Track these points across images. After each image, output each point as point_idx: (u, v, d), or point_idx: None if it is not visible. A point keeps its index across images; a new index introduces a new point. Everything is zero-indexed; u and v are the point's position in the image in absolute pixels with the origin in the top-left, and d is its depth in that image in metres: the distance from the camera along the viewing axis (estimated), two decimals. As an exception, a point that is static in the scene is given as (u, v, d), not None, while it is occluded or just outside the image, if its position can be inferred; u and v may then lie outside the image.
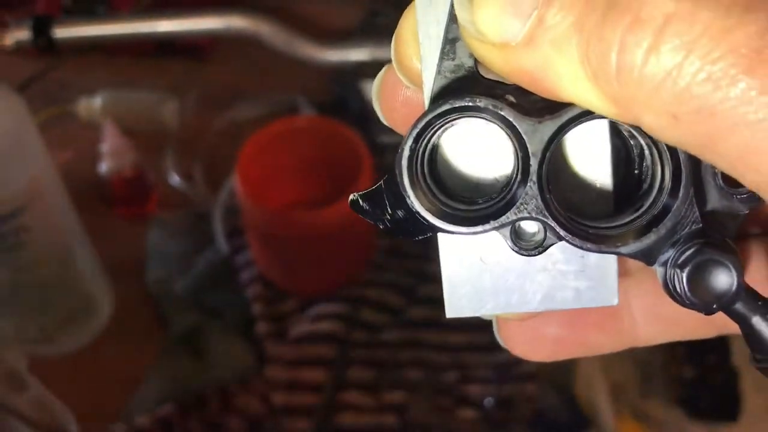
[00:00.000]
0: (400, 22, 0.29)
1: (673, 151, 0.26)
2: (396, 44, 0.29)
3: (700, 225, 0.27)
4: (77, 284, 0.91)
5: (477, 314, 0.32)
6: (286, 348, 0.93)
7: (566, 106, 0.25)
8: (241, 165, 0.91)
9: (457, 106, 0.26)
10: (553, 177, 0.27)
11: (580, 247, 0.27)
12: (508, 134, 0.26)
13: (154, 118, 1.12)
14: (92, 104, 1.11)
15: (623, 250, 0.27)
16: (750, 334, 0.26)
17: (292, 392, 0.91)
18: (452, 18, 0.27)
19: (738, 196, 0.27)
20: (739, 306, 0.25)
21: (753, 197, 0.27)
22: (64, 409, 0.82)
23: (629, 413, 0.92)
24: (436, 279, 0.32)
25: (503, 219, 0.27)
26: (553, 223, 0.26)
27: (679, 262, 0.26)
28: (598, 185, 0.30)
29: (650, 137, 0.27)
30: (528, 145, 0.26)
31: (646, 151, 0.28)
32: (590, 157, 0.30)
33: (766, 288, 0.30)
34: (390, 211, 0.28)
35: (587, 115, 0.25)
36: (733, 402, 0.90)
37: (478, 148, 0.30)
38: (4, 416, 0.76)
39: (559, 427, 0.90)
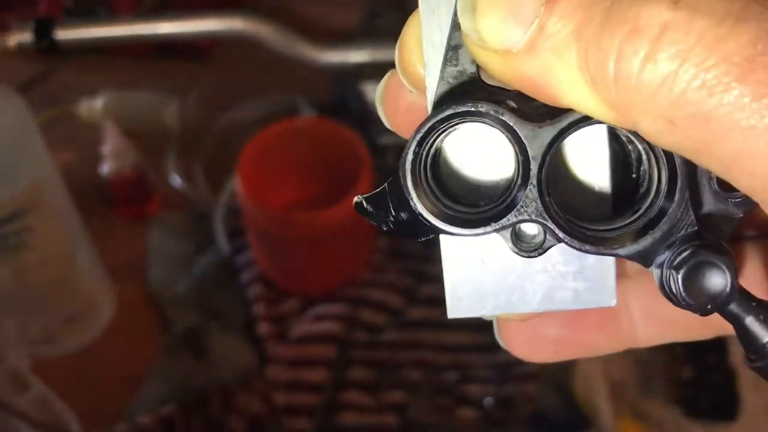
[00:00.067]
0: (403, 29, 0.29)
1: (669, 155, 0.27)
2: (400, 50, 0.30)
3: (696, 228, 0.27)
4: (79, 285, 0.92)
5: (478, 315, 0.32)
6: (286, 348, 0.94)
7: (566, 111, 0.26)
8: (242, 166, 0.92)
9: (459, 111, 0.26)
10: (552, 180, 0.28)
11: (579, 249, 0.27)
12: (509, 138, 0.27)
13: (155, 119, 1.12)
14: (93, 105, 1.11)
15: (621, 251, 0.28)
16: (744, 334, 0.26)
17: (293, 392, 0.91)
18: (455, 25, 0.27)
19: (733, 200, 0.28)
20: (733, 307, 0.26)
21: (747, 201, 0.28)
22: (66, 409, 0.82)
23: (629, 413, 0.92)
24: (435, 279, 0.32)
25: (504, 221, 0.27)
26: (552, 226, 0.27)
27: (675, 263, 0.26)
28: (596, 189, 0.31)
29: (647, 142, 0.27)
30: (528, 150, 0.26)
31: (644, 156, 0.28)
32: (589, 161, 0.30)
33: (761, 289, 0.31)
34: (393, 213, 0.29)
35: (586, 120, 0.26)
36: (732, 402, 0.91)
37: (479, 152, 0.30)
38: (7, 416, 0.77)
39: (559, 426, 0.91)
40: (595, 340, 0.35)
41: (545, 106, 0.26)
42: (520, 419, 0.90)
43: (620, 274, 0.32)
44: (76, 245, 0.89)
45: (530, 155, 0.26)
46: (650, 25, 0.22)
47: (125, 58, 1.20)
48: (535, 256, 0.29)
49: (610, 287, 0.31)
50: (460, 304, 0.32)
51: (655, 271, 0.27)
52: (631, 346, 0.35)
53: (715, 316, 0.27)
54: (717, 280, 0.26)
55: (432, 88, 0.29)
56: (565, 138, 0.27)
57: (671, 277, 0.26)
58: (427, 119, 0.27)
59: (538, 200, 0.27)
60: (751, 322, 0.26)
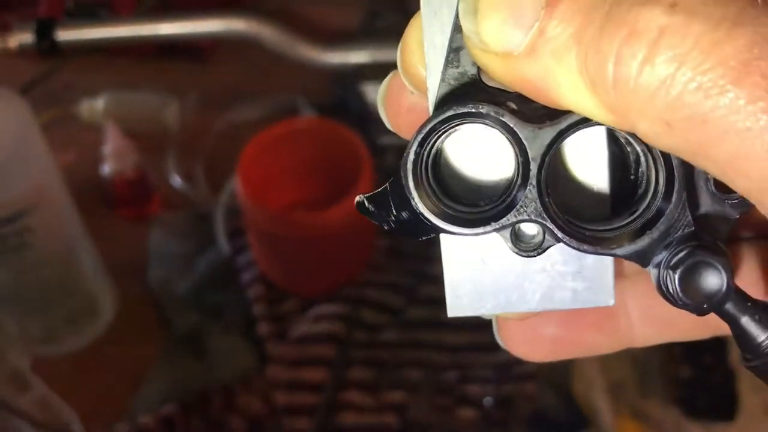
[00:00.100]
0: (405, 30, 0.30)
1: (666, 157, 0.27)
2: (402, 52, 0.30)
3: (693, 228, 0.27)
4: (80, 285, 0.92)
5: (477, 313, 0.33)
6: (287, 348, 0.94)
7: (565, 113, 0.26)
8: (242, 166, 0.92)
9: (460, 112, 0.27)
10: (552, 181, 0.28)
11: (578, 249, 0.28)
12: (509, 139, 0.27)
13: (156, 120, 1.12)
14: (94, 106, 1.12)
15: (618, 251, 0.28)
16: (740, 334, 0.26)
17: (293, 392, 0.91)
18: (457, 28, 0.27)
19: (729, 202, 0.28)
20: (729, 307, 0.26)
21: (744, 202, 0.28)
22: (66, 409, 0.82)
23: (628, 412, 0.93)
24: (435, 279, 0.33)
25: (503, 221, 0.28)
26: (551, 226, 0.27)
27: (672, 263, 0.27)
28: (595, 190, 0.31)
29: (645, 144, 0.28)
30: (528, 150, 0.27)
31: (642, 158, 0.29)
32: (588, 162, 0.31)
33: (757, 290, 0.31)
34: (395, 213, 0.29)
35: (585, 122, 0.26)
36: (730, 402, 0.91)
37: (480, 152, 0.30)
38: (8, 416, 0.77)
39: (558, 426, 0.91)
40: (592, 340, 0.35)
41: (545, 107, 0.26)
42: (520, 419, 0.90)
43: (618, 275, 0.33)
44: (77, 245, 0.89)
45: (530, 156, 0.27)
46: (648, 28, 0.22)
47: (126, 58, 1.20)
48: (534, 256, 0.29)
49: (608, 287, 0.32)
50: (460, 303, 0.32)
51: (652, 271, 0.28)
52: (629, 346, 0.35)
53: (712, 317, 0.27)
54: (713, 280, 0.26)
55: (433, 90, 0.29)
56: (564, 139, 0.27)
57: (668, 277, 0.27)
58: (429, 120, 0.27)
59: (538, 200, 0.27)
60: (746, 321, 0.26)
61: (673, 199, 0.27)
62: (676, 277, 0.26)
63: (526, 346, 0.35)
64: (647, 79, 0.22)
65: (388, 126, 0.32)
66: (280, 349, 0.94)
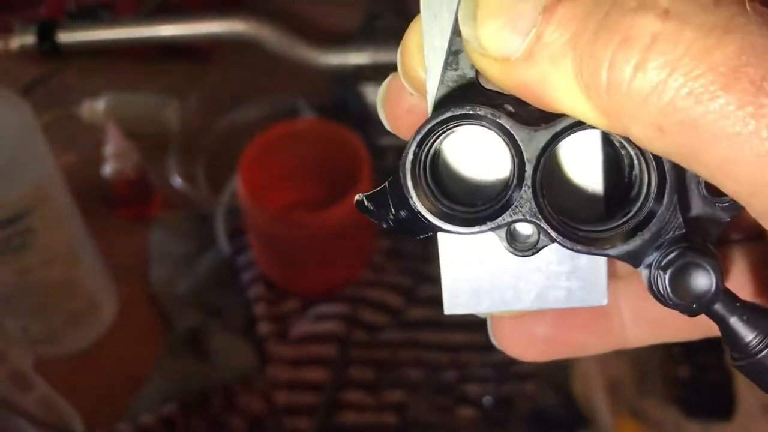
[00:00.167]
0: (406, 33, 0.30)
1: (658, 160, 0.28)
2: (402, 54, 0.30)
3: (683, 230, 0.28)
4: (81, 285, 0.92)
5: (474, 311, 0.33)
6: (287, 348, 0.94)
7: (561, 116, 0.27)
8: (243, 167, 0.92)
9: (458, 113, 0.27)
10: (547, 183, 0.28)
11: (571, 249, 0.28)
12: (505, 141, 0.28)
13: (156, 121, 1.12)
14: (95, 107, 1.12)
15: (611, 252, 0.28)
16: (728, 334, 0.27)
17: (294, 391, 0.92)
18: (456, 31, 0.28)
19: (720, 205, 0.29)
20: (718, 307, 0.27)
21: (734, 206, 0.29)
22: (68, 408, 0.83)
23: (627, 412, 0.93)
24: (435, 280, 0.33)
25: (499, 220, 0.28)
26: (545, 226, 0.28)
27: (663, 264, 0.27)
28: (589, 191, 0.31)
29: (638, 147, 0.28)
30: (524, 152, 0.27)
31: (635, 161, 0.29)
32: (583, 165, 0.31)
33: (746, 291, 0.32)
34: (393, 211, 0.30)
35: (580, 125, 0.27)
36: (728, 401, 0.91)
37: (477, 153, 0.31)
38: (10, 415, 0.77)
39: (558, 425, 0.91)
40: (585, 340, 0.36)
41: (541, 111, 0.26)
42: (519, 418, 0.90)
43: (612, 275, 0.33)
44: (78, 246, 0.90)
45: (525, 157, 0.27)
46: (641, 35, 0.22)
47: (126, 60, 1.21)
48: (529, 256, 0.29)
49: (601, 287, 0.32)
50: (456, 301, 0.33)
51: (643, 272, 0.28)
52: (621, 346, 0.36)
53: (703, 317, 0.27)
54: (703, 281, 0.27)
55: (432, 91, 0.29)
56: (559, 142, 0.28)
57: (659, 278, 0.27)
58: (427, 121, 0.28)
59: (533, 201, 0.28)
60: (735, 322, 0.27)
61: (665, 201, 0.28)
62: (667, 277, 0.27)
63: (520, 346, 0.36)
64: (640, 84, 0.22)
65: (388, 127, 0.33)
66: (280, 349, 0.94)
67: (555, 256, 0.32)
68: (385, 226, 0.30)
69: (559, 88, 0.24)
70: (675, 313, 0.28)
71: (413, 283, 1.00)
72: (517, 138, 0.27)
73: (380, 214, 0.30)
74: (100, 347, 0.94)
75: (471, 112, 0.27)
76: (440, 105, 0.29)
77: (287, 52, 1.07)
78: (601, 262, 0.32)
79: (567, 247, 0.28)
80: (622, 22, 0.23)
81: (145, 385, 0.92)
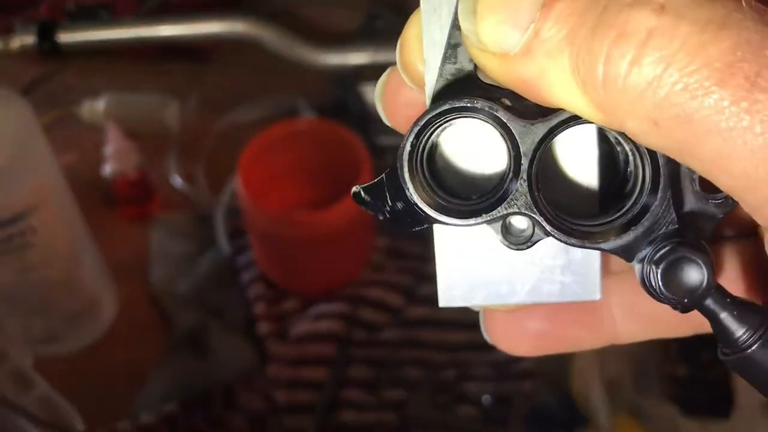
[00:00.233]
0: (405, 26, 0.30)
1: (653, 154, 0.28)
2: (401, 47, 0.31)
3: (676, 226, 0.28)
4: (82, 284, 0.92)
5: (468, 305, 0.34)
6: (287, 347, 0.94)
7: (557, 110, 0.27)
8: (243, 167, 0.93)
9: (456, 106, 0.28)
10: (542, 177, 0.29)
11: (565, 242, 0.29)
12: (502, 134, 0.28)
13: (157, 121, 1.13)
14: (95, 107, 1.12)
15: (604, 245, 0.29)
16: (718, 329, 0.27)
17: (294, 390, 0.92)
18: (455, 25, 0.28)
19: (713, 202, 0.29)
20: (709, 302, 0.27)
21: (727, 202, 0.29)
22: (69, 407, 0.83)
23: (625, 410, 0.93)
24: (434, 279, 0.33)
25: (494, 213, 0.28)
26: (540, 219, 0.28)
27: (655, 258, 0.28)
28: (584, 187, 0.32)
29: (634, 143, 0.28)
30: (520, 145, 0.28)
31: (630, 157, 0.29)
32: (579, 161, 0.32)
33: (737, 288, 0.32)
34: (390, 203, 0.30)
35: (576, 119, 0.27)
36: (726, 399, 0.91)
37: (474, 147, 0.31)
38: (11, 414, 0.77)
39: (556, 423, 0.91)
40: (576, 335, 0.36)
41: (538, 105, 0.27)
42: (518, 416, 0.91)
43: (605, 271, 0.33)
44: (79, 245, 0.90)
45: (522, 151, 0.28)
46: (637, 30, 0.23)
47: (127, 60, 1.21)
48: (524, 249, 0.30)
49: (595, 282, 0.33)
50: (451, 293, 0.33)
51: (636, 266, 0.29)
52: (612, 342, 0.36)
53: (693, 314, 0.28)
54: (694, 276, 0.27)
55: (431, 84, 0.30)
56: (555, 136, 0.28)
57: (651, 272, 0.27)
58: (425, 113, 0.28)
59: (528, 194, 0.28)
60: (725, 317, 0.27)
61: (659, 196, 0.28)
62: (659, 271, 0.27)
63: (511, 340, 0.36)
64: (635, 79, 0.23)
65: (385, 120, 0.33)
66: (280, 348, 0.94)
67: (549, 250, 0.32)
68: (381, 218, 0.30)
69: (556, 83, 0.25)
70: (666, 309, 0.28)
71: (413, 283, 1.00)
72: (513, 131, 0.27)
73: (377, 206, 0.30)
74: (100, 346, 0.94)
75: (469, 104, 0.27)
76: (438, 98, 0.29)
77: (287, 52, 1.07)
78: (594, 257, 0.33)
79: (561, 241, 0.29)
80: (619, 18, 0.23)
81: (146, 384, 0.92)
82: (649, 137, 0.24)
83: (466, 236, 0.32)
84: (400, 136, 0.29)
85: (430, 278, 1.02)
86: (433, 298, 0.34)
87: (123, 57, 1.20)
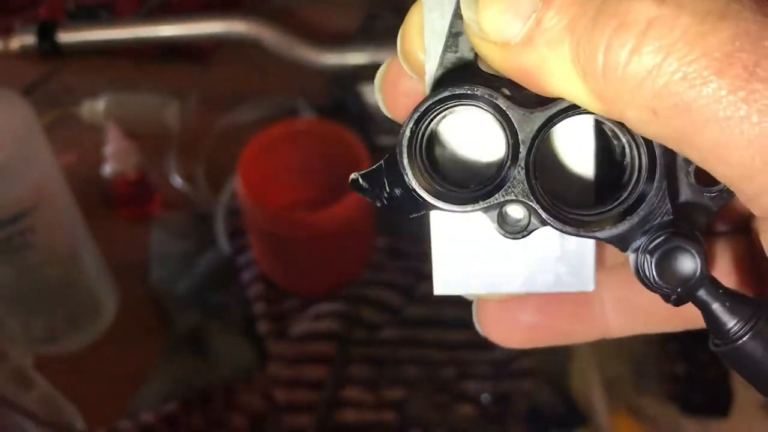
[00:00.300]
0: (407, 15, 0.31)
1: (649, 143, 0.28)
2: (402, 36, 0.31)
3: (671, 216, 0.28)
4: (82, 284, 0.92)
5: (463, 293, 0.34)
6: (287, 346, 0.94)
7: (557, 100, 0.27)
8: (243, 167, 0.93)
9: (456, 93, 0.28)
10: (540, 166, 0.29)
11: (561, 230, 0.29)
12: (500, 122, 0.28)
13: (157, 121, 1.13)
14: (95, 107, 1.12)
15: (600, 234, 0.29)
16: (710, 320, 0.27)
17: (294, 389, 0.92)
18: (457, 14, 0.28)
19: (709, 195, 0.29)
20: (702, 293, 0.27)
21: (722, 195, 0.29)
22: (69, 407, 0.83)
23: (624, 409, 0.93)
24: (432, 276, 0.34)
25: (492, 200, 0.29)
26: (536, 206, 0.28)
27: (649, 248, 0.28)
28: (581, 178, 0.32)
29: (630, 134, 0.29)
30: (519, 133, 0.28)
31: (627, 149, 0.30)
32: (576, 152, 0.32)
33: (730, 280, 0.32)
34: (388, 190, 0.30)
35: (575, 108, 0.27)
36: (725, 398, 0.91)
37: (472, 135, 0.32)
38: (12, 414, 0.78)
39: (555, 422, 0.91)
40: (568, 328, 0.36)
41: (537, 95, 0.27)
42: (517, 415, 0.91)
43: (598, 265, 0.33)
44: (78, 245, 0.90)
45: (520, 138, 0.28)
46: (637, 20, 0.23)
47: (127, 59, 1.21)
48: (520, 238, 0.30)
49: (589, 273, 0.33)
50: (446, 281, 0.33)
51: (630, 256, 0.29)
52: (604, 336, 0.36)
53: (684, 309, 0.28)
54: (688, 266, 0.27)
55: (431, 73, 0.30)
56: (554, 125, 0.28)
57: (645, 261, 0.28)
58: (425, 99, 0.28)
59: (525, 182, 0.28)
60: (717, 308, 0.27)
61: (654, 186, 0.28)
62: (653, 261, 0.27)
63: (503, 331, 0.36)
64: (635, 69, 0.23)
65: (384, 111, 0.33)
66: (280, 348, 0.94)
67: (544, 240, 0.33)
68: (378, 204, 0.30)
69: (556, 73, 0.25)
70: (658, 303, 0.28)
71: (413, 282, 1.00)
72: (512, 119, 0.28)
73: (375, 193, 0.30)
74: (101, 346, 0.94)
75: (468, 92, 0.28)
76: (438, 85, 0.30)
77: (287, 52, 1.07)
78: (589, 248, 0.33)
79: (557, 228, 0.29)
80: (620, 8, 0.23)
81: (145, 384, 0.92)
82: (648, 126, 0.24)
83: (463, 225, 0.33)
84: (401, 125, 0.30)
85: (430, 277, 1.02)
86: (433, 297, 0.34)
87: (123, 57, 1.20)
